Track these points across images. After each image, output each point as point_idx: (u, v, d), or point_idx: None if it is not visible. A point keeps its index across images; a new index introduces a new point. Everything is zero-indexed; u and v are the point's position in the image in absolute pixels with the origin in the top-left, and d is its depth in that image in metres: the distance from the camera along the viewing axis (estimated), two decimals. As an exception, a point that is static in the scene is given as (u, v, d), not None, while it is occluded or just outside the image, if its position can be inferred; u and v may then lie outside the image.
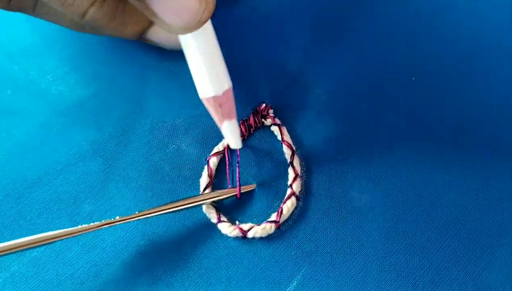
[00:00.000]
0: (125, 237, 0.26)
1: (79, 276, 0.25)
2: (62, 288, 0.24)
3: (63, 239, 0.23)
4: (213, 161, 0.27)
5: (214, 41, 0.22)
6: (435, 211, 0.26)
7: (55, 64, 0.32)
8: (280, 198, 0.27)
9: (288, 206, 0.26)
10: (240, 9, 0.33)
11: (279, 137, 0.28)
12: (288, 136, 0.28)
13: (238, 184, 0.27)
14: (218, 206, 0.26)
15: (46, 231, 0.23)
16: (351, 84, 0.30)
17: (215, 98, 0.23)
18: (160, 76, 0.31)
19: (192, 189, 0.27)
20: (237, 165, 0.27)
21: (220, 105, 0.23)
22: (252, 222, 0.26)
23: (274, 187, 0.27)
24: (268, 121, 0.29)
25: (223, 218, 0.26)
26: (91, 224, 0.23)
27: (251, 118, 0.28)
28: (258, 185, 0.27)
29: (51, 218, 0.26)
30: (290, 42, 0.32)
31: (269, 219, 0.26)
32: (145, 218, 0.24)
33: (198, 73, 0.22)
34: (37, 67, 0.31)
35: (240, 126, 0.28)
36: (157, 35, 0.23)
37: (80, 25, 0.24)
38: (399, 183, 0.27)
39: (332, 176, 0.27)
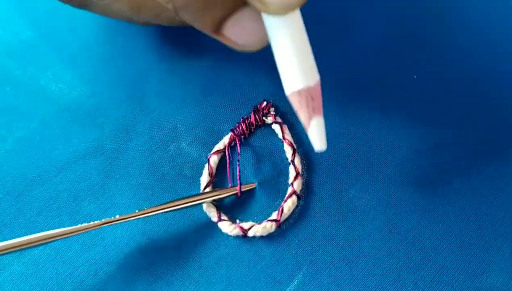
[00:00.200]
0: (125, 236, 0.25)
1: (79, 275, 0.25)
2: (62, 286, 0.24)
3: (63, 238, 0.23)
4: (214, 160, 0.27)
5: (303, 27, 0.20)
6: (436, 210, 0.26)
7: (55, 61, 0.31)
8: (281, 196, 0.26)
9: (289, 205, 0.26)
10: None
11: (280, 136, 0.28)
12: (289, 134, 0.28)
13: (238, 182, 0.27)
14: (219, 205, 0.26)
15: (46, 230, 0.23)
16: (352, 82, 0.30)
17: (309, 90, 0.20)
18: (161, 74, 0.30)
19: (192, 187, 0.27)
20: (237, 163, 0.27)
21: (312, 99, 0.21)
22: (253, 221, 0.26)
23: (275, 186, 0.27)
24: (269, 120, 0.28)
25: (223, 217, 0.26)
26: (91, 222, 0.23)
27: (252, 116, 0.28)
28: (259, 183, 0.27)
29: (51, 216, 0.26)
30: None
31: (270, 218, 0.26)
32: (145, 216, 0.24)
33: (290, 63, 0.20)
34: (36, 64, 0.31)
35: (240, 124, 0.28)
36: (234, 29, 0.21)
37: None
38: (400, 182, 0.27)
39: (334, 175, 0.27)
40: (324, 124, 0.21)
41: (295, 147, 0.27)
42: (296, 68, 0.20)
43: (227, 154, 0.27)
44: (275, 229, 0.25)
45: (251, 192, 0.27)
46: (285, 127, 0.28)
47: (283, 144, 0.28)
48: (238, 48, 0.22)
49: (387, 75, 0.30)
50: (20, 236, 0.22)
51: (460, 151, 0.28)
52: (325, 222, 0.26)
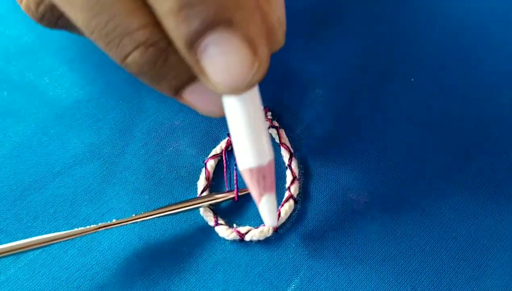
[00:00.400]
0: (121, 240, 0.25)
1: (75, 280, 0.24)
2: (58, 291, 0.24)
3: (59, 242, 0.23)
4: (211, 164, 0.27)
5: (260, 105, 0.20)
6: (434, 214, 0.26)
7: (52, 65, 0.31)
8: (278, 201, 0.26)
9: (286, 209, 0.26)
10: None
11: (277, 140, 0.28)
12: (286, 139, 0.28)
13: (235, 186, 0.26)
14: (216, 209, 0.26)
15: (42, 234, 0.23)
16: (349, 87, 0.30)
17: (259, 169, 0.20)
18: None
19: (189, 191, 0.27)
20: (234, 167, 0.27)
21: (264, 177, 0.21)
22: (250, 225, 0.26)
23: (272, 190, 0.27)
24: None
25: (220, 221, 0.26)
26: (88, 227, 0.23)
27: (249, 121, 0.28)
28: (256, 187, 0.27)
29: (48, 220, 0.26)
30: (288, 44, 0.32)
31: (267, 222, 0.25)
32: (142, 221, 0.24)
33: (242, 140, 0.20)
34: (33, 69, 0.31)
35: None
36: (194, 96, 0.21)
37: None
38: (397, 186, 0.27)
39: (330, 179, 0.27)
40: (276, 201, 0.22)
41: (292, 151, 0.27)
42: (248, 147, 0.20)
43: (224, 158, 0.27)
44: (272, 234, 0.25)
45: (248, 196, 0.27)
46: (282, 131, 0.28)
47: (280, 148, 0.28)
48: (199, 112, 0.22)
49: (384, 78, 0.31)
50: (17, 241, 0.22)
51: (458, 153, 0.28)
52: (322, 226, 0.26)
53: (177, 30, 0.16)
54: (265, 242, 0.25)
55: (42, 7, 0.21)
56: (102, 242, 0.25)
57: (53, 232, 0.23)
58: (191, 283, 0.24)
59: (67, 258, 0.25)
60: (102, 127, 0.29)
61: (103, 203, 0.26)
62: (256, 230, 0.25)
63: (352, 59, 0.31)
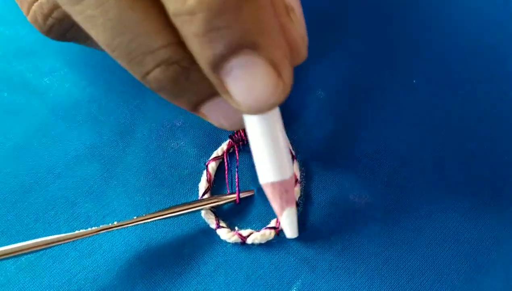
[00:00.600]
0: (123, 243, 0.25)
1: (76, 282, 0.24)
2: (59, 294, 0.24)
3: (60, 244, 0.23)
4: (212, 166, 0.27)
5: (281, 121, 0.20)
6: (436, 216, 0.26)
7: (53, 66, 0.31)
8: (279, 203, 0.26)
9: (287, 212, 0.26)
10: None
11: (279, 142, 0.28)
12: (288, 141, 0.28)
13: (237, 189, 0.26)
14: (217, 212, 0.26)
15: (43, 236, 0.22)
16: (351, 88, 0.30)
17: (281, 183, 0.21)
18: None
19: (190, 194, 0.27)
20: (236, 170, 0.27)
21: (286, 191, 0.22)
22: (251, 228, 0.26)
23: (274, 192, 0.27)
24: (267, 126, 0.28)
25: (222, 224, 0.26)
26: (89, 229, 0.23)
27: (251, 123, 0.28)
28: (258, 190, 0.27)
29: (48, 222, 0.26)
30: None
31: (269, 225, 0.25)
32: (143, 223, 0.24)
33: (264, 156, 0.20)
34: (34, 70, 0.31)
35: (239, 131, 0.28)
36: (214, 111, 0.21)
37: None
38: (399, 188, 0.27)
39: (332, 182, 0.27)
40: (296, 214, 0.23)
41: (293, 153, 0.27)
42: (269, 164, 0.20)
43: (225, 160, 0.27)
44: (274, 236, 0.25)
45: (249, 198, 0.27)
46: (284, 133, 0.28)
47: (281, 151, 0.28)
48: (216, 126, 0.22)
49: (385, 79, 0.30)
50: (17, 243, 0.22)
51: (460, 154, 0.28)
52: (323, 229, 0.26)
53: (202, 52, 0.16)
54: (266, 245, 0.25)
55: (50, 20, 0.21)
56: (103, 244, 0.25)
57: (54, 234, 0.23)
58: (192, 286, 0.24)
59: (68, 260, 0.25)
60: (103, 129, 0.29)
61: (104, 205, 0.26)
62: (257, 233, 0.25)
63: (354, 60, 0.31)
